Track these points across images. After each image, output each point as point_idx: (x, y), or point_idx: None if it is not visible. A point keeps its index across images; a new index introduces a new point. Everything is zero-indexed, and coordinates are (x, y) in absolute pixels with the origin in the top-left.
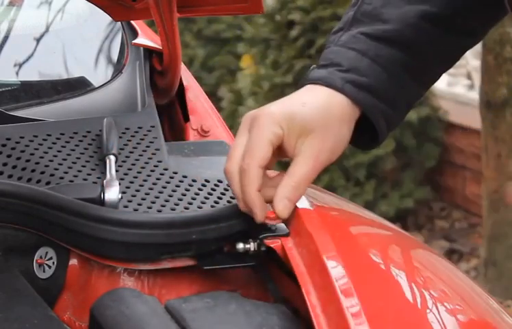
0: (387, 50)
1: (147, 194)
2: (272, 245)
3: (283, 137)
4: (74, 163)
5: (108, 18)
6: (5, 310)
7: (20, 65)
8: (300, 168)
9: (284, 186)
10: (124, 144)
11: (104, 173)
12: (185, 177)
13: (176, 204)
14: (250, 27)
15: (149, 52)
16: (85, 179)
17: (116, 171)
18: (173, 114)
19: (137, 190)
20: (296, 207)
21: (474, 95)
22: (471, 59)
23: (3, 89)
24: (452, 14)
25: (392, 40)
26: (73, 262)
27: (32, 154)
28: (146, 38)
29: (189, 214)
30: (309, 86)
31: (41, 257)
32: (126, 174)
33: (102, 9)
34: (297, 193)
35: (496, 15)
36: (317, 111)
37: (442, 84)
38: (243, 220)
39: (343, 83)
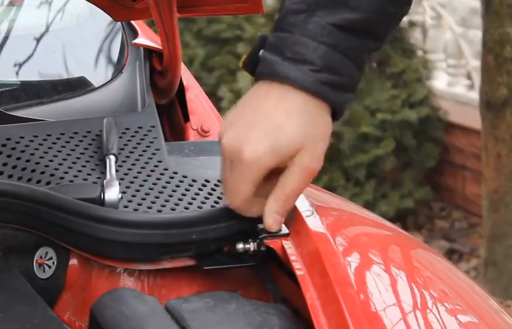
0: (357, 41)
1: (147, 194)
2: (271, 245)
3: (268, 169)
4: (74, 163)
5: (108, 18)
6: (5, 309)
7: (20, 65)
8: (292, 181)
9: (274, 200)
10: (124, 144)
11: (104, 173)
12: (185, 177)
13: (176, 204)
14: (250, 27)
15: (149, 52)
16: (85, 179)
17: (116, 171)
18: (173, 114)
19: (137, 190)
20: (295, 207)
21: (474, 95)
22: (471, 59)
23: (3, 89)
24: None
25: (362, 31)
26: (73, 262)
27: (32, 154)
28: (146, 38)
29: (189, 214)
30: (278, 87)
31: (41, 257)
32: (126, 174)
33: (102, 9)
34: (287, 206)
35: None
36: (297, 130)
37: (442, 84)
38: (243, 220)
39: (319, 85)
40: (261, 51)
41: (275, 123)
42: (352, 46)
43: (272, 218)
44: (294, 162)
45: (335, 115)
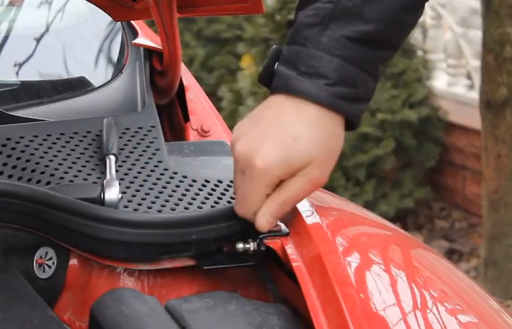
0: (371, 52)
1: (147, 194)
2: (271, 245)
3: (279, 179)
4: (74, 163)
5: (108, 18)
6: (5, 310)
7: (20, 65)
8: (294, 188)
9: (271, 201)
10: (124, 144)
11: (104, 173)
12: (185, 177)
13: (176, 204)
14: (250, 27)
15: (149, 52)
16: (85, 179)
17: (116, 171)
18: (173, 114)
19: (137, 190)
20: (295, 207)
21: (474, 95)
22: (471, 59)
23: (3, 89)
24: None
25: (376, 41)
26: (73, 262)
27: (32, 154)
28: (146, 38)
29: (189, 214)
30: (294, 101)
31: (41, 257)
32: (126, 174)
33: (102, 9)
34: (283, 210)
35: None
36: (312, 144)
37: (442, 84)
38: (243, 220)
39: (334, 99)
40: (276, 64)
41: (290, 135)
42: (366, 58)
43: (264, 219)
44: (302, 173)
45: (349, 126)
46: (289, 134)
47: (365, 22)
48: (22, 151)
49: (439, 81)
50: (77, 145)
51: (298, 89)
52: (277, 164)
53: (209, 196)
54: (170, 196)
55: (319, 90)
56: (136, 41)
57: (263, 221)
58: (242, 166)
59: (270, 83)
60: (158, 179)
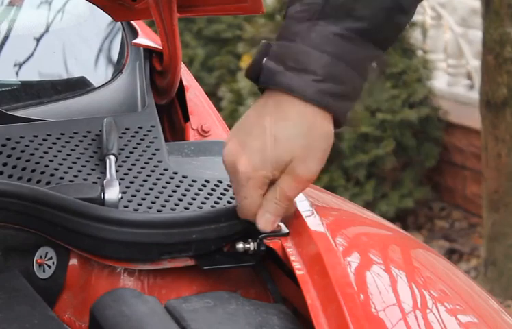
0: (361, 50)
1: (147, 194)
2: (271, 245)
3: (265, 180)
4: (74, 163)
5: (108, 18)
6: (4, 309)
7: (20, 65)
8: (283, 186)
9: (266, 200)
10: (124, 145)
11: (104, 173)
12: (185, 177)
13: (177, 204)
14: (250, 27)
15: (149, 52)
16: (85, 179)
17: (116, 171)
18: (173, 114)
19: (137, 190)
20: (295, 207)
21: (474, 95)
22: (471, 59)
23: (3, 89)
24: None
25: (366, 40)
26: (73, 262)
27: (32, 154)
28: (146, 38)
29: (189, 214)
30: (279, 97)
31: (41, 257)
32: (126, 174)
33: (102, 9)
34: (281, 208)
35: None
36: (290, 141)
37: (442, 84)
38: (243, 220)
39: (320, 95)
40: (265, 59)
41: (268, 137)
42: (355, 56)
43: (264, 219)
44: (287, 170)
45: (337, 123)
46: (267, 136)
47: (355, 19)
48: (22, 151)
49: (439, 81)
50: (76, 145)
51: (285, 84)
52: (259, 166)
53: (209, 196)
54: (170, 196)
55: (306, 85)
56: (136, 41)
57: (262, 222)
58: (229, 170)
59: (258, 78)
60: (158, 179)
